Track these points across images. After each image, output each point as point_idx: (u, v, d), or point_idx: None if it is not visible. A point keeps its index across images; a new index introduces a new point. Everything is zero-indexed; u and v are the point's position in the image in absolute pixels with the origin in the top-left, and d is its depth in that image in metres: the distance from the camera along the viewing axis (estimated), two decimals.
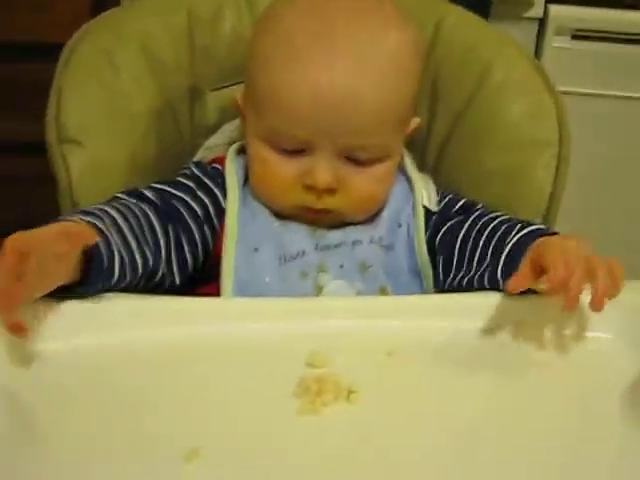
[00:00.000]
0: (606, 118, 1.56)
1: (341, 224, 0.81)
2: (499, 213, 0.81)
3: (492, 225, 0.78)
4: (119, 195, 0.77)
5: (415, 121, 0.83)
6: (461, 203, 0.84)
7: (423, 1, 0.96)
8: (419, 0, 0.96)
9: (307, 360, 0.66)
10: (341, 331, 0.70)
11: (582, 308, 0.73)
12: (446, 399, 0.63)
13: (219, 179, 0.82)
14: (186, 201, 0.79)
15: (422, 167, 0.92)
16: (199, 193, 0.80)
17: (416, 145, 0.90)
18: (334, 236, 0.80)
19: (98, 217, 0.69)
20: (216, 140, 0.91)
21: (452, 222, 0.82)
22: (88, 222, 0.67)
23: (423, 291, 0.82)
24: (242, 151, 0.83)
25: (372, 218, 0.82)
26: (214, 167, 0.83)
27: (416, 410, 0.61)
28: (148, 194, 0.78)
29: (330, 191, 0.76)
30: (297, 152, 0.76)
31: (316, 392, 0.61)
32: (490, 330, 0.71)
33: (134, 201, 0.76)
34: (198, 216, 0.80)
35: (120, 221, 0.71)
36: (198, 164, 0.84)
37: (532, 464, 0.57)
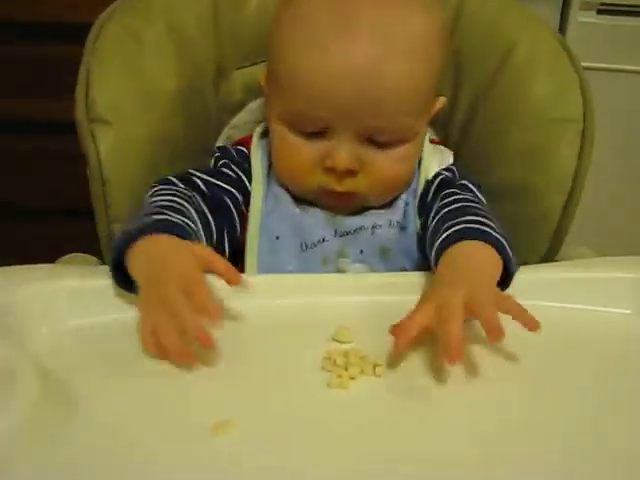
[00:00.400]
0: (633, 94, 1.54)
1: (361, 209, 0.81)
2: (458, 197, 0.78)
3: (444, 212, 0.76)
4: (179, 185, 0.78)
5: (441, 100, 0.82)
6: (437, 181, 0.83)
7: None
8: None
9: (334, 335, 0.67)
10: (365, 306, 0.71)
11: (598, 284, 0.74)
12: (470, 375, 0.64)
13: (245, 164, 0.83)
14: (229, 191, 0.81)
15: (445, 142, 0.92)
16: (232, 181, 0.82)
17: (439, 120, 0.90)
18: (353, 221, 0.81)
19: (188, 218, 0.71)
20: (242, 118, 0.92)
21: (428, 202, 0.82)
22: (188, 226, 0.69)
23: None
24: (266, 134, 0.84)
25: (390, 202, 0.82)
26: (240, 149, 0.84)
27: (440, 384, 0.62)
28: (200, 183, 0.80)
29: (351, 173, 0.76)
30: (318, 134, 0.76)
31: (343, 366, 0.62)
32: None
33: (191, 193, 0.77)
34: (238, 204, 0.82)
35: (195, 219, 0.74)
36: (225, 150, 0.85)
37: (554, 437, 0.58)
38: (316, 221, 0.81)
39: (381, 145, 0.76)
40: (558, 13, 1.50)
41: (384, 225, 0.81)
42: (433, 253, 0.72)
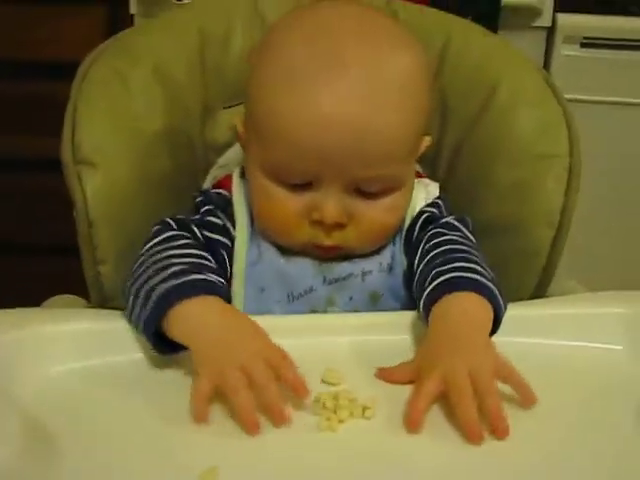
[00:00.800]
0: (616, 125, 1.56)
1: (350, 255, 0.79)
2: (446, 239, 0.77)
3: (429, 256, 0.75)
4: (184, 232, 0.76)
5: (427, 140, 0.81)
6: (422, 219, 0.81)
7: (430, 15, 0.97)
8: (426, 15, 0.97)
9: (322, 377, 0.66)
10: (354, 346, 0.71)
11: (592, 318, 0.74)
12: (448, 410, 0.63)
13: (228, 208, 0.81)
14: (219, 240, 0.79)
15: (432, 179, 0.91)
16: (220, 229, 0.80)
17: (426, 158, 0.90)
18: (342, 268, 0.79)
19: (215, 273, 0.71)
20: (229, 157, 0.92)
21: (413, 241, 0.80)
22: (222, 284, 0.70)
23: None
24: (245, 174, 0.83)
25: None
26: (221, 193, 0.82)
27: (430, 423, 0.62)
28: (196, 231, 0.77)
29: (339, 226, 0.74)
30: (304, 186, 0.73)
31: (332, 409, 0.62)
32: (503, 343, 0.72)
33: (195, 243, 0.76)
34: (229, 253, 0.79)
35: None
36: (206, 195, 0.83)
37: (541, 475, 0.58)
38: (303, 270, 0.79)
39: (370, 195, 0.74)
40: (543, 46, 1.53)
41: (374, 270, 0.79)
42: (422, 301, 0.71)
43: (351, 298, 0.79)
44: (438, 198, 0.84)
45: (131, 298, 0.70)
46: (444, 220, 0.80)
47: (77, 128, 0.82)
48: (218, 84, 0.92)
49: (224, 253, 0.78)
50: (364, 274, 0.79)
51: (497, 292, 0.69)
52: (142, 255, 0.74)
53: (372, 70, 0.71)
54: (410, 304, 0.79)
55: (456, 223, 0.80)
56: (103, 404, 0.64)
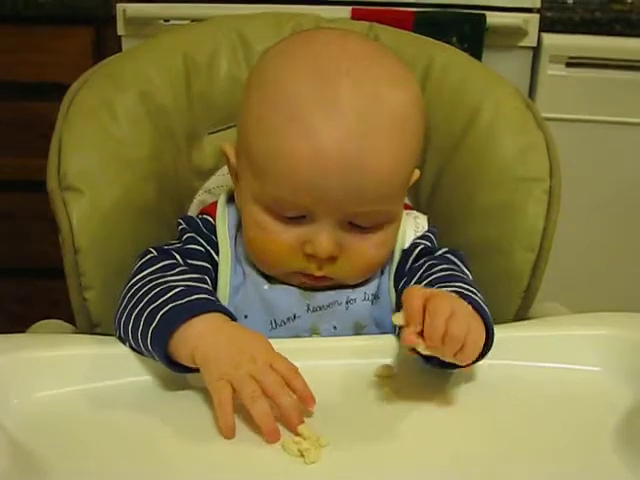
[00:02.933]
0: (602, 144, 1.57)
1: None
2: (442, 267, 0.77)
3: (427, 280, 0.75)
4: (170, 261, 0.76)
5: (416, 173, 0.80)
6: (417, 251, 0.81)
7: (412, 40, 0.98)
8: (408, 39, 0.98)
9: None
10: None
11: (572, 340, 0.75)
12: (432, 435, 0.65)
13: (212, 235, 0.81)
14: (203, 267, 0.79)
15: (415, 204, 0.93)
16: (203, 256, 0.80)
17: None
18: (327, 296, 0.79)
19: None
20: (215, 182, 0.93)
21: (407, 272, 0.80)
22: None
23: None
24: (230, 200, 0.83)
25: None
26: (206, 219, 0.83)
27: (398, 448, 0.63)
28: (179, 259, 0.77)
29: (331, 259, 0.74)
30: (297, 219, 0.74)
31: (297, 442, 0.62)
32: (484, 365, 0.72)
33: (188, 269, 0.76)
34: (212, 279, 0.79)
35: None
36: (190, 221, 0.83)
37: None
38: (287, 297, 0.78)
39: (363, 230, 0.75)
40: (529, 66, 1.54)
41: (358, 299, 0.79)
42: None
43: (335, 327, 0.79)
44: (429, 231, 0.85)
45: (130, 325, 0.70)
46: (439, 253, 0.81)
47: (63, 154, 0.83)
48: (204, 109, 0.92)
49: (207, 278, 0.79)
50: (348, 302, 0.79)
51: (491, 320, 0.69)
52: (136, 283, 0.74)
53: (370, 108, 0.70)
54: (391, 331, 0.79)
55: (451, 256, 0.80)
56: (90, 429, 0.64)
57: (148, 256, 0.77)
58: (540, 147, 0.88)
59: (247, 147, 0.75)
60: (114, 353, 0.72)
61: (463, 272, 0.79)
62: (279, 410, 0.63)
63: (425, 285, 0.74)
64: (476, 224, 0.88)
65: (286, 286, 0.79)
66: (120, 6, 1.48)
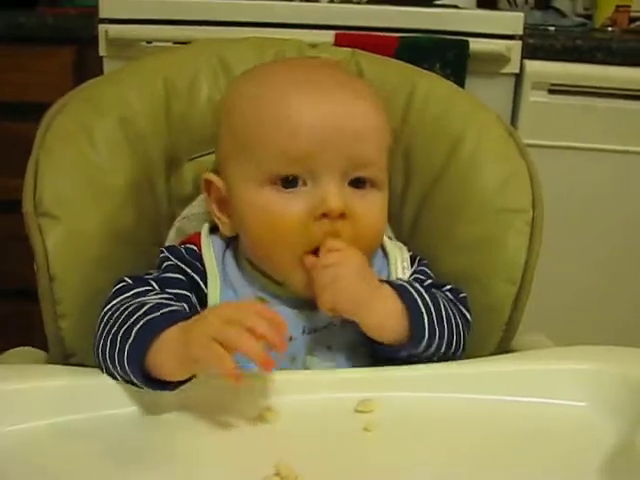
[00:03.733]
0: (584, 171, 1.57)
1: None
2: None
3: None
4: (145, 288, 0.76)
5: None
6: (427, 283, 0.83)
7: (395, 67, 0.98)
8: (390, 66, 0.98)
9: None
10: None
11: (555, 374, 0.74)
12: (414, 470, 0.64)
13: (197, 262, 0.80)
14: (182, 295, 0.78)
15: (398, 234, 0.93)
16: (183, 285, 0.79)
17: (392, 213, 0.90)
18: (322, 317, 0.78)
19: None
20: (194, 209, 0.92)
21: None
22: None
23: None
24: (213, 230, 0.83)
25: None
26: (190, 248, 0.82)
27: None
28: (156, 287, 0.77)
29: (342, 216, 0.75)
30: (300, 187, 0.75)
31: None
32: (467, 400, 0.72)
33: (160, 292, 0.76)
34: (193, 307, 0.78)
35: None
36: (173, 250, 0.82)
37: None
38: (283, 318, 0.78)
39: (362, 190, 0.77)
40: (511, 92, 1.55)
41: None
42: None
43: (329, 347, 0.79)
44: (424, 264, 0.86)
45: (108, 348, 0.70)
46: (447, 287, 0.83)
47: (39, 179, 0.82)
48: (183, 135, 0.92)
49: (185, 306, 0.77)
50: (343, 323, 0.78)
51: (418, 308, 0.75)
52: (111, 309, 0.73)
53: (349, 86, 0.78)
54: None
55: (450, 295, 0.83)
56: (62, 463, 0.63)
57: (122, 284, 0.76)
58: (522, 177, 0.88)
59: (235, 135, 0.78)
60: (86, 384, 0.71)
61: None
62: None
63: None
64: (457, 256, 0.88)
65: (282, 308, 0.78)
66: (102, 27, 1.47)
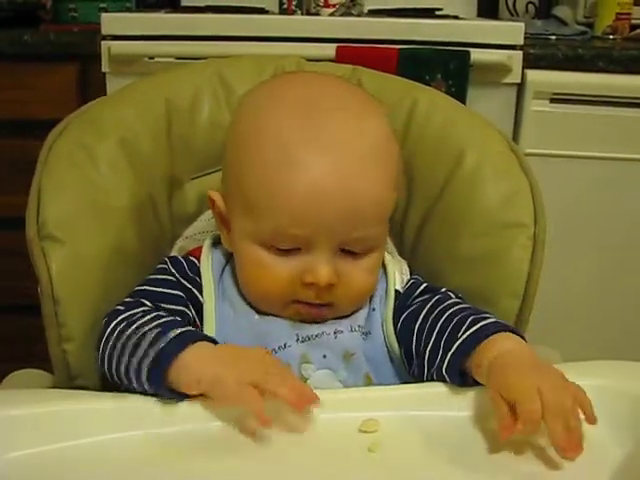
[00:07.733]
0: (586, 180, 1.57)
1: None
2: (454, 301, 0.80)
3: (444, 316, 0.77)
4: (148, 306, 0.77)
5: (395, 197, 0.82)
6: (422, 288, 0.83)
7: (395, 83, 0.98)
8: (391, 82, 0.98)
9: None
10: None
11: None
12: None
13: (197, 276, 0.81)
14: (179, 310, 0.79)
15: (400, 248, 0.93)
16: (180, 300, 0.80)
17: (394, 227, 0.91)
18: (315, 326, 0.79)
19: None
20: (196, 229, 0.92)
21: (410, 309, 0.81)
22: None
23: (401, 377, 0.81)
24: (215, 245, 0.84)
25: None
26: (192, 260, 0.83)
27: None
28: (150, 304, 0.78)
29: (330, 287, 0.75)
30: (294, 250, 0.75)
31: None
32: (474, 420, 0.72)
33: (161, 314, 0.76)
34: (190, 321, 0.79)
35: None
36: (175, 262, 0.83)
37: None
38: (278, 326, 0.79)
39: (355, 255, 0.76)
40: (513, 102, 1.55)
41: (345, 330, 0.80)
42: (451, 353, 0.73)
43: (324, 356, 0.79)
44: (415, 277, 0.86)
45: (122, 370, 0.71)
46: (444, 289, 0.83)
47: (42, 202, 0.82)
48: (185, 155, 0.92)
49: (180, 319, 0.78)
50: (336, 333, 0.79)
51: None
52: (112, 335, 0.74)
53: (354, 140, 0.74)
54: (386, 372, 0.80)
55: (452, 294, 0.83)
56: None
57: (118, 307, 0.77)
58: (524, 192, 0.87)
59: (239, 189, 0.77)
60: (93, 408, 0.70)
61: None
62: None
63: (443, 322, 0.77)
64: (460, 271, 0.88)
65: (277, 317, 0.79)
66: (105, 43, 1.48)
